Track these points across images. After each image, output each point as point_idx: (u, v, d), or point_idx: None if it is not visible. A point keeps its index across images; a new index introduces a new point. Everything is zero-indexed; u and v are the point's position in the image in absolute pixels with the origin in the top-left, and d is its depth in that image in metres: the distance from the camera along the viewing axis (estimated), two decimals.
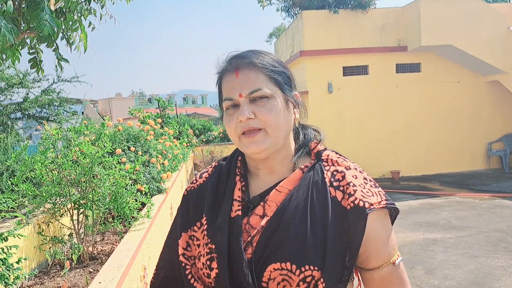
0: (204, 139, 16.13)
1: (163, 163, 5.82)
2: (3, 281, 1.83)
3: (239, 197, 1.07)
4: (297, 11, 14.85)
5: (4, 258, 1.91)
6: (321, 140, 1.17)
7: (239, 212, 1.04)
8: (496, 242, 5.93)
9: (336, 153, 1.12)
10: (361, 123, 12.82)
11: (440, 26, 11.83)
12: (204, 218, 1.06)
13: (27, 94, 8.43)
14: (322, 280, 0.93)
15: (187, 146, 10.47)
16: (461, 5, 11.98)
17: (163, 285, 1.15)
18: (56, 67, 2.20)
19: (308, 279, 0.94)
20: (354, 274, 1.08)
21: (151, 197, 4.71)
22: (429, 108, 13.03)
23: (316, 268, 0.94)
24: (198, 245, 1.07)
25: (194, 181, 1.18)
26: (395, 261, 1.03)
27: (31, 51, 1.99)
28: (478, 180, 11.51)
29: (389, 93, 12.89)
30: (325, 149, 1.13)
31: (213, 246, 1.01)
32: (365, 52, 12.69)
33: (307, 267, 0.94)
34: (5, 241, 1.93)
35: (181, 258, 1.08)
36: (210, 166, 1.21)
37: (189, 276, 1.05)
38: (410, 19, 12.43)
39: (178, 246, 1.09)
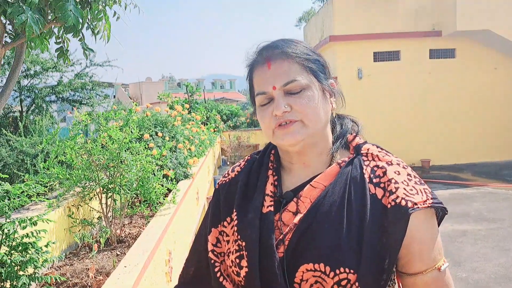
0: (231, 125, 16.23)
1: (189, 149, 5.89)
2: (32, 264, 1.91)
3: (271, 192, 1.00)
4: None
5: (34, 242, 1.98)
6: (358, 132, 1.09)
7: (271, 208, 0.97)
8: None
9: (378, 146, 1.04)
10: (392, 110, 12.55)
11: (477, 10, 11.35)
12: (235, 213, 1.00)
13: (61, 77, 8.67)
14: (357, 284, 0.87)
15: (214, 131, 10.55)
16: None
17: (194, 280, 1.11)
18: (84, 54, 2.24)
19: (343, 283, 0.87)
20: (396, 279, 1.00)
21: (177, 182, 4.78)
22: (463, 96, 12.61)
23: (352, 271, 0.87)
24: (228, 241, 1.02)
25: (226, 175, 1.13)
26: (440, 266, 0.95)
27: (58, 40, 2.04)
28: None
29: (421, 79, 12.53)
30: (365, 142, 1.05)
31: (243, 243, 0.95)
32: (397, 37, 12.35)
33: (342, 269, 0.87)
34: (34, 225, 1.99)
35: (210, 254, 1.03)
36: (242, 159, 1.15)
37: (218, 274, 1.00)
38: (446, 3, 11.97)
39: (207, 241, 1.05)
